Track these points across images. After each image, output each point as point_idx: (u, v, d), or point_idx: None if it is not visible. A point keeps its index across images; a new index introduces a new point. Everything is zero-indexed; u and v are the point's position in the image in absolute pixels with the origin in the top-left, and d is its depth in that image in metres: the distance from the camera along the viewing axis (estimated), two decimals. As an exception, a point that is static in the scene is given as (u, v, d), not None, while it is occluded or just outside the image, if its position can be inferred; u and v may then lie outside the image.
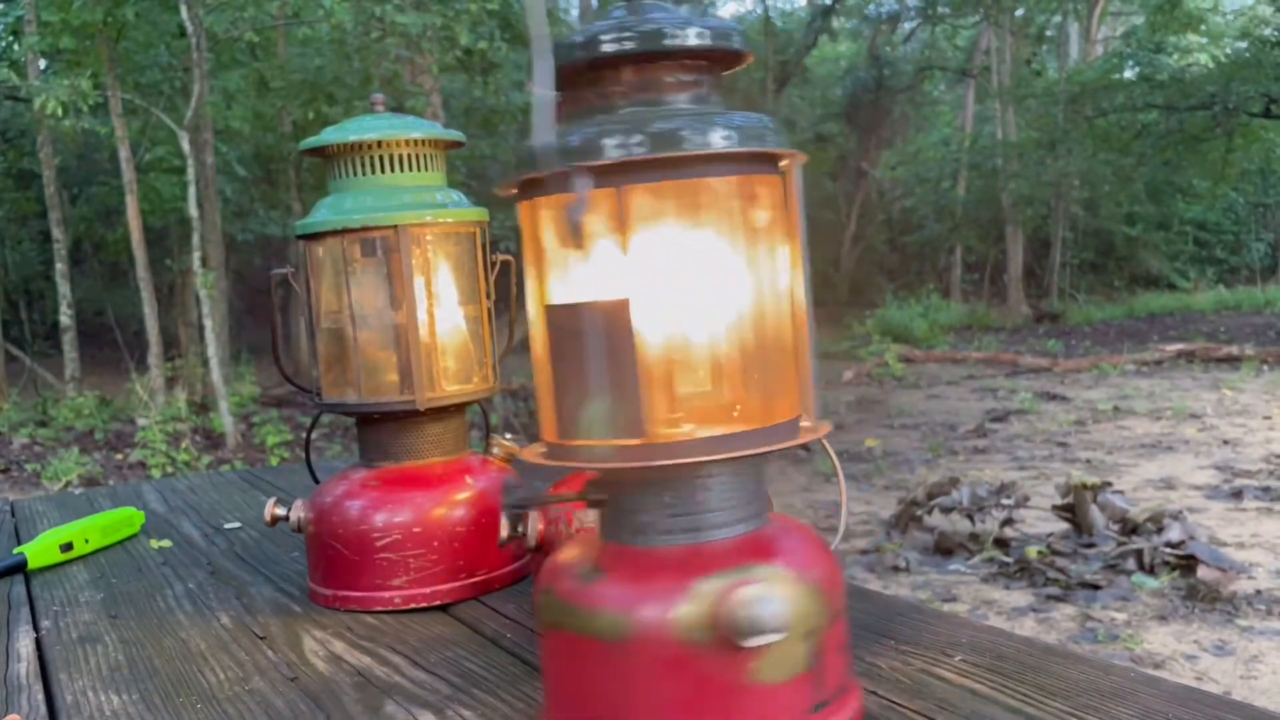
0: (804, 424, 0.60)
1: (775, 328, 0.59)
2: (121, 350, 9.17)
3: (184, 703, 0.72)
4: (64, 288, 7.50)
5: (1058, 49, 15.32)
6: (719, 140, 0.54)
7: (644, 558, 0.57)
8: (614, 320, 0.55)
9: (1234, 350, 8.05)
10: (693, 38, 0.55)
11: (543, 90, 0.54)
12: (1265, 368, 7.45)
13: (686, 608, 0.54)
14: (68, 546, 1.12)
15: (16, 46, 8.09)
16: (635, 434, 0.55)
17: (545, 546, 0.83)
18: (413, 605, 0.88)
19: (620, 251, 0.55)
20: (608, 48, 0.55)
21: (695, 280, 0.56)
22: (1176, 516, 3.16)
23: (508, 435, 1.01)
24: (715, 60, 0.58)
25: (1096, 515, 3.30)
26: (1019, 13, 13.82)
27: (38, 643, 0.87)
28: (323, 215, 0.90)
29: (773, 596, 0.52)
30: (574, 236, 0.55)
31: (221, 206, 8.23)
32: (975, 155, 14.22)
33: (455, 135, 0.95)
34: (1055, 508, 3.44)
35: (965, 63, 15.38)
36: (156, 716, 0.70)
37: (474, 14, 6.68)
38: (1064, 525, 3.39)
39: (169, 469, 5.66)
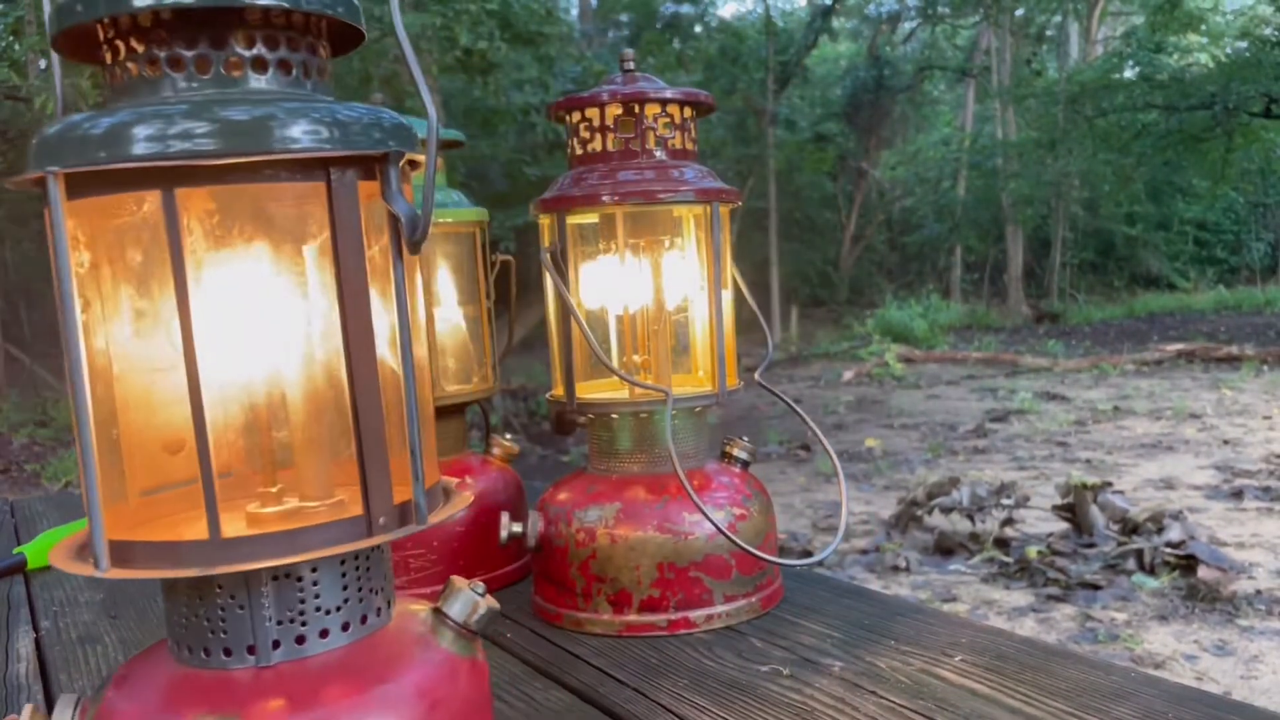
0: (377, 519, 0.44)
1: (329, 390, 0.44)
2: (121, 350, 9.17)
3: (184, 703, 0.72)
4: (64, 288, 7.50)
5: (1058, 49, 15.33)
6: (303, 136, 0.40)
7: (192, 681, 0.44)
8: (125, 378, 0.42)
9: (1234, 350, 8.05)
10: None
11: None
12: (1265, 368, 7.45)
13: None
14: (68, 546, 1.12)
15: (16, 46, 8.10)
16: (150, 529, 0.43)
17: (545, 546, 0.83)
18: (412, 605, 0.87)
19: (150, 286, 0.42)
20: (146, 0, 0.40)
21: (237, 325, 0.42)
22: (1176, 516, 3.16)
23: (508, 435, 1.01)
24: (316, 34, 0.45)
25: (1096, 515, 3.30)
26: (1019, 13, 13.84)
27: (37, 643, 0.87)
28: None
29: None
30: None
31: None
32: (975, 155, 14.25)
33: (455, 135, 0.95)
34: (1055, 508, 3.44)
35: (965, 63, 15.40)
36: (156, 716, 0.70)
37: (474, 14, 6.69)
38: (1064, 525, 3.39)
39: (169, 469, 5.65)
